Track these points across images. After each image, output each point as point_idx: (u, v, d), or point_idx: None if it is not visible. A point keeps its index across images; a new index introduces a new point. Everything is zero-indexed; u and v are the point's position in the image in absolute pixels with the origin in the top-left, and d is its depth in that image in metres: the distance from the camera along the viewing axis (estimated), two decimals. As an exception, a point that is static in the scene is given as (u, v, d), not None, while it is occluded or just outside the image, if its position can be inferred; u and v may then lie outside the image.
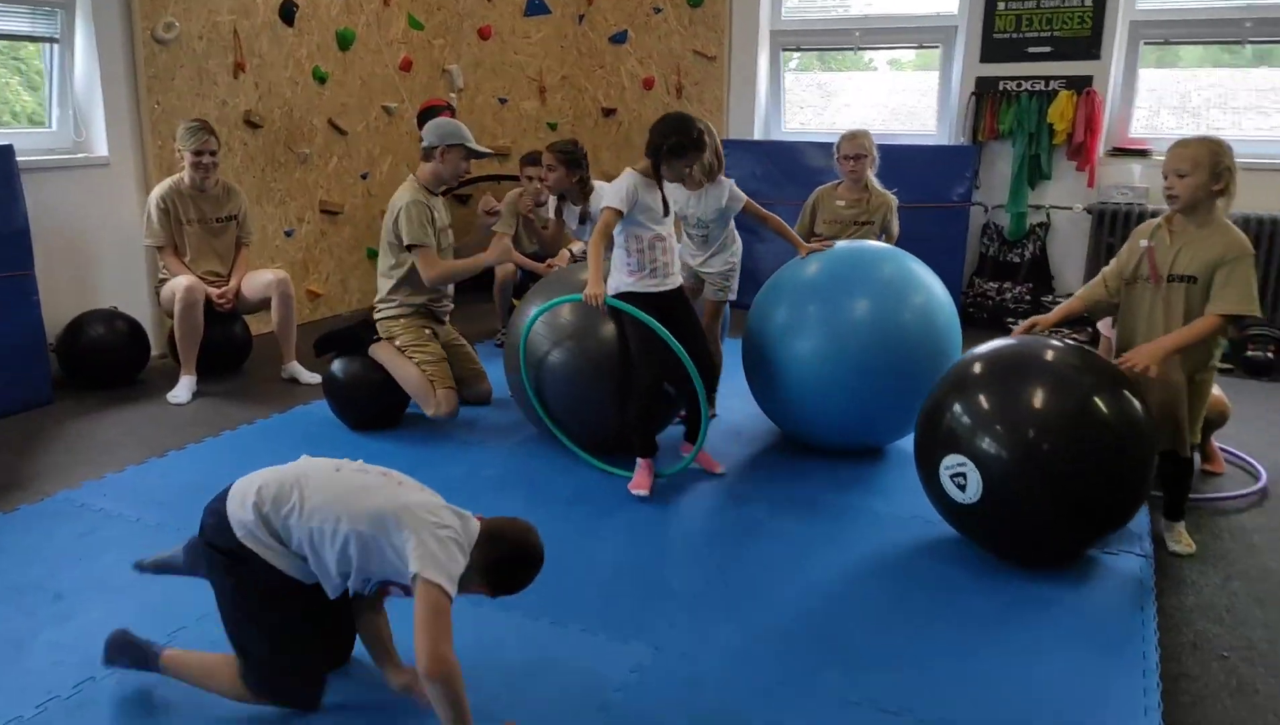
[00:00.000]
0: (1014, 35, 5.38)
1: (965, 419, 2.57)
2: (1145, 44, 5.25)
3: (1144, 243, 2.76)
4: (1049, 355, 2.60)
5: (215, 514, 1.95)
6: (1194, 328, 2.60)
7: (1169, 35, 5.24)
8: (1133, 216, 5.12)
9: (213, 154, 4.18)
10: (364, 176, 5.85)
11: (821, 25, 6.00)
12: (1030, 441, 2.45)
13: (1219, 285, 2.58)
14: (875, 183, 4.09)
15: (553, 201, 4.44)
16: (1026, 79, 5.37)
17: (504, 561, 1.89)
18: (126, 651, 2.07)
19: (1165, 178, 2.68)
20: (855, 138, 4.07)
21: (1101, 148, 5.31)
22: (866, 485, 3.24)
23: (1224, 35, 5.13)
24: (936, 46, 5.69)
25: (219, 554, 1.92)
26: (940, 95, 5.78)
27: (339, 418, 3.74)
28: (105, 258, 4.47)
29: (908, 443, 3.19)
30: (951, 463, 2.56)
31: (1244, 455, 3.45)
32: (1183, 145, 2.67)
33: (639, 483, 3.18)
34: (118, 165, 4.46)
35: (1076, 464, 2.42)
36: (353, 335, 3.75)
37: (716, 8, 6.05)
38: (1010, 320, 5.28)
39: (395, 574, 1.85)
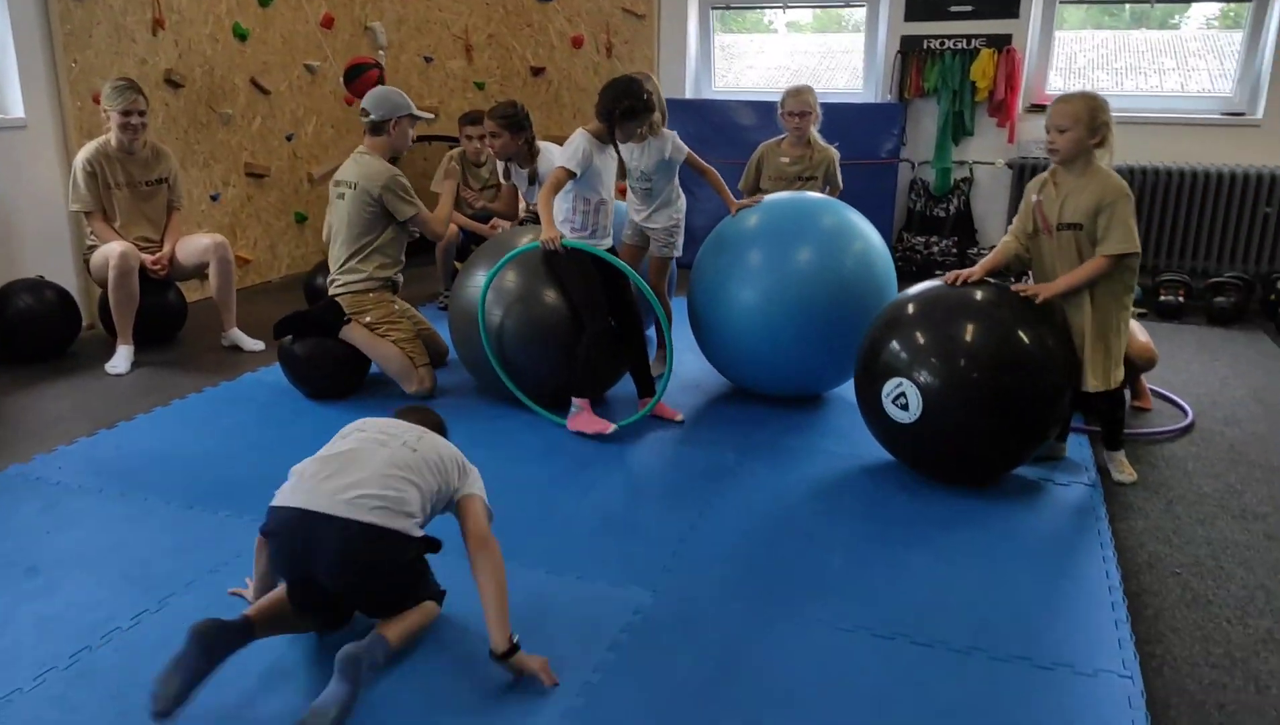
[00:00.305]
0: (938, -6, 5.55)
1: (903, 353, 2.78)
2: (1061, 2, 5.48)
3: (1034, 197, 2.90)
4: (975, 295, 2.82)
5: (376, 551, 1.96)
6: (1084, 269, 2.76)
7: (1083, -5, 5.48)
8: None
9: (141, 114, 4.01)
10: (289, 138, 5.68)
11: (751, -16, 6.07)
12: (962, 369, 2.68)
13: (1102, 228, 2.72)
14: (818, 138, 4.19)
15: (501, 166, 4.39)
16: (949, 37, 5.54)
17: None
18: (220, 638, 1.87)
19: (1048, 133, 2.81)
20: (800, 94, 4.14)
21: (1021, 104, 5.53)
22: (819, 429, 3.37)
23: (1133, -5, 5.40)
24: (863, 5, 5.81)
25: (393, 564, 1.99)
26: (867, 54, 5.92)
27: (296, 387, 3.67)
28: (25, 224, 4.26)
29: (845, 390, 3.44)
30: (891, 387, 2.78)
31: (1169, 393, 3.69)
32: (1064, 101, 2.78)
33: (582, 423, 3.28)
34: (35, 127, 4.23)
35: (1002, 386, 2.66)
36: (318, 320, 3.60)
37: (645, -35, 6.05)
38: (939, 272, 5.46)
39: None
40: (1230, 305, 4.82)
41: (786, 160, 4.19)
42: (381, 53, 6.12)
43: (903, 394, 2.74)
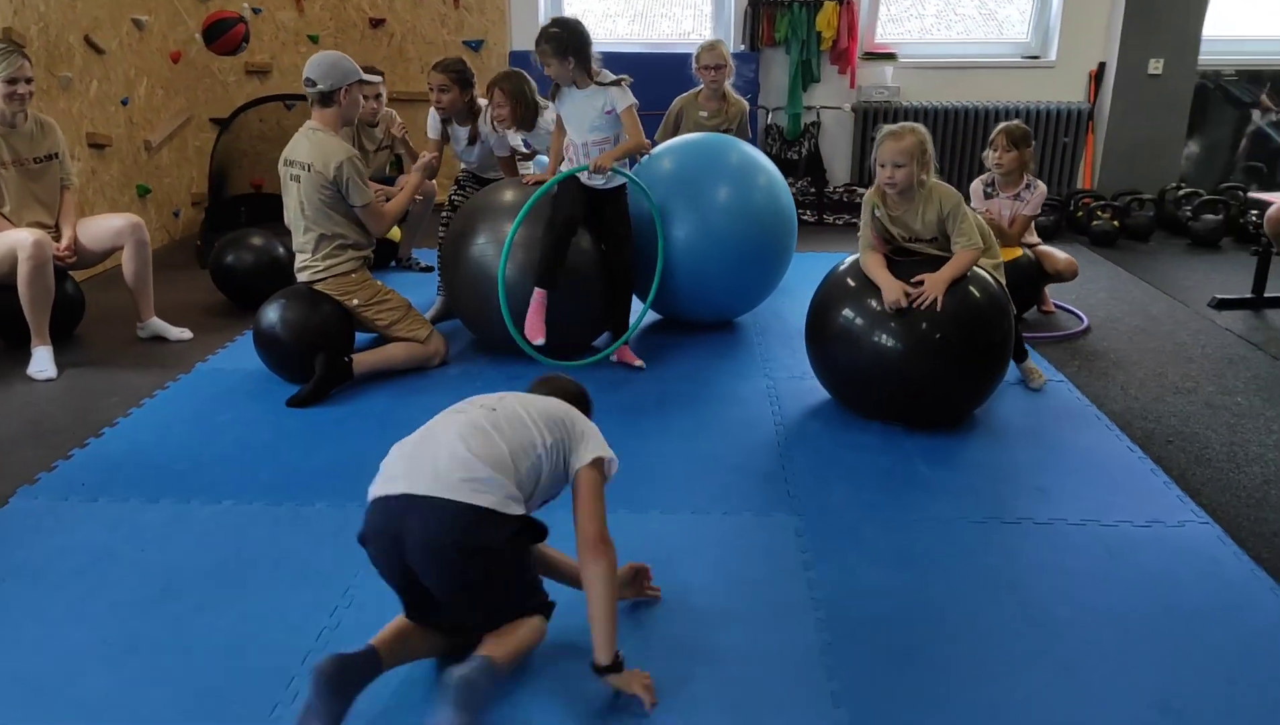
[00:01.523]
0: (781, -52, 5.92)
1: (859, 320, 2.97)
2: (888, -41, 6.05)
3: (876, 214, 3.06)
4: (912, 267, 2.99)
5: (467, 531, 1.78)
6: (958, 262, 2.91)
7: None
8: (889, 113, 5.97)
9: (29, 81, 3.50)
10: (124, 102, 5.08)
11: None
12: (925, 332, 2.87)
13: (955, 233, 2.96)
14: (731, 91, 4.44)
15: (437, 123, 4.20)
16: (794, -11, 5.96)
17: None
18: (348, 675, 1.73)
19: (884, 166, 2.92)
20: (715, 48, 4.35)
21: (859, 52, 6.07)
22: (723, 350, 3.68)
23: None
24: (711, -42, 6.08)
25: (487, 549, 1.78)
26: (715, 4, 6.20)
27: (276, 372, 3.43)
28: None
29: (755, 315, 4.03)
30: None
31: (1068, 305, 4.34)
32: (895, 138, 2.92)
33: (535, 326, 3.35)
34: (-126, 99, 3.55)
35: (969, 339, 2.89)
36: (332, 374, 3.30)
37: (490, -89, 5.93)
38: (803, 213, 5.93)
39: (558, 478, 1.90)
40: (1050, 222, 5.66)
41: (705, 114, 4.40)
42: (245, 4, 5.60)
43: None
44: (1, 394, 3.34)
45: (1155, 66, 5.82)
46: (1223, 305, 4.36)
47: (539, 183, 3.50)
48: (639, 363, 3.58)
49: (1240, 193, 5.69)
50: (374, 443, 2.74)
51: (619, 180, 3.50)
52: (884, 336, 2.92)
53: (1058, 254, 4.01)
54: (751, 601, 2.15)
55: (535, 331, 3.36)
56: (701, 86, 4.40)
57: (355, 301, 3.43)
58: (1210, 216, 5.51)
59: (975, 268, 2.99)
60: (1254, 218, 5.55)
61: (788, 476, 2.75)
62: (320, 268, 3.40)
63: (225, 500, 2.61)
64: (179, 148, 5.65)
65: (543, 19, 6.15)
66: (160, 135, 5.35)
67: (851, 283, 3.08)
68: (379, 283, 3.52)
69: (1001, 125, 4.04)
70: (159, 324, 3.87)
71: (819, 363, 3.23)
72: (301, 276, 3.41)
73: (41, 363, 3.47)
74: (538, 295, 3.38)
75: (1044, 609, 2.12)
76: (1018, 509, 2.57)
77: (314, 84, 3.36)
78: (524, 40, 6.12)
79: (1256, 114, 6.10)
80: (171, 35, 5.52)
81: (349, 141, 4.61)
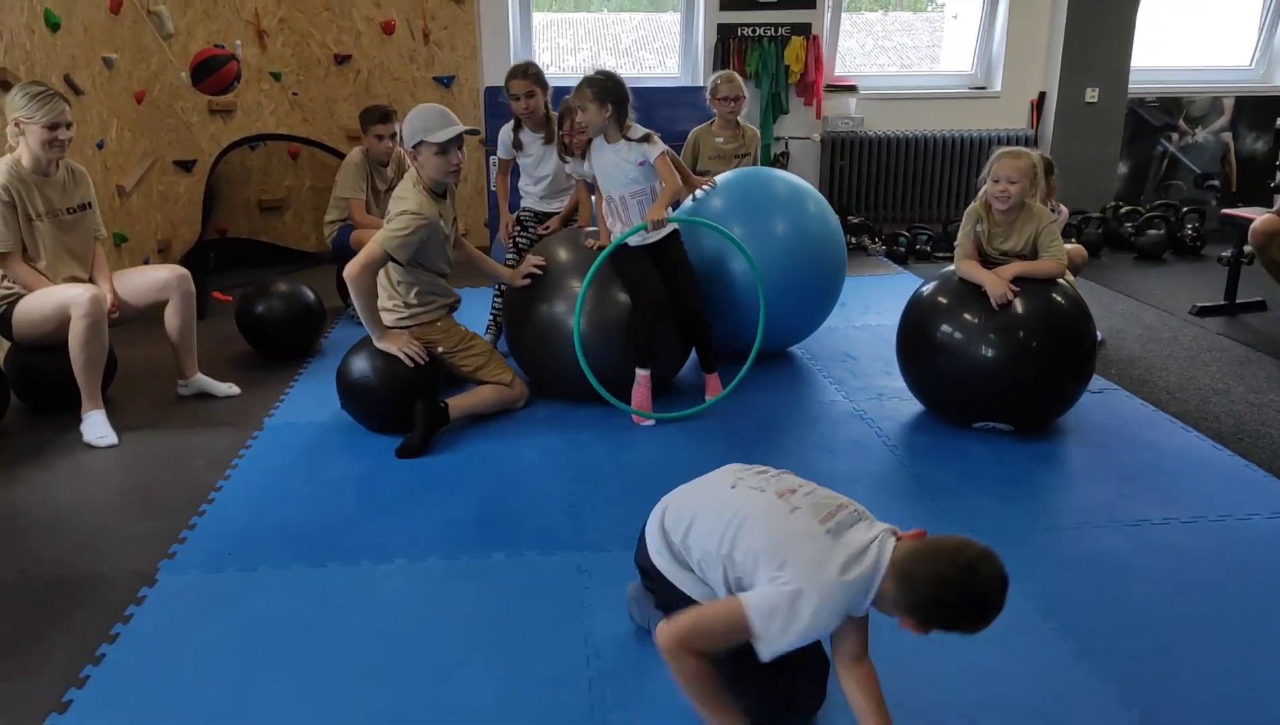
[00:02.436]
0: (747, -14, 6.11)
1: (957, 334, 3.14)
2: (848, -4, 6.34)
3: (978, 228, 3.30)
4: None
5: (641, 531, 1.93)
6: (1041, 266, 3.15)
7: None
8: (854, 142, 6.25)
9: (69, 126, 3.26)
10: (100, 146, 4.75)
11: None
12: (1021, 340, 3.07)
13: (1044, 246, 3.20)
14: (743, 120, 4.58)
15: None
16: (761, 25, 6.15)
17: (928, 601, 1.56)
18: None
19: (998, 181, 3.17)
20: (732, 80, 4.48)
21: (824, 85, 6.33)
22: (826, 380, 3.82)
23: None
24: (681, -5, 6.22)
25: (640, 571, 1.93)
26: (683, 40, 6.34)
27: (363, 422, 3.30)
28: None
29: (813, 343, 4.13)
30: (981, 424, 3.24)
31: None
32: (1014, 157, 3.17)
33: (642, 399, 3.38)
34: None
35: (1057, 343, 3.08)
36: (435, 420, 3.20)
37: (460, -52, 5.88)
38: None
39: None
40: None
41: (721, 140, 4.52)
42: (238, 44, 5.35)
43: (996, 429, 3.24)
44: (68, 464, 3.07)
45: (1091, 95, 6.31)
46: (1203, 312, 4.77)
47: (599, 246, 3.48)
48: (714, 394, 3.53)
49: (1176, 208, 6.23)
50: (504, 490, 2.80)
51: (668, 228, 3.43)
52: (983, 345, 3.10)
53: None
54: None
55: (645, 408, 3.39)
56: (715, 118, 4.53)
57: (441, 348, 3.34)
58: (1154, 231, 6.02)
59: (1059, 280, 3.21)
60: (1190, 231, 6.11)
61: (930, 491, 2.86)
62: (405, 315, 3.30)
63: (396, 559, 2.49)
64: (145, 193, 5.31)
65: (515, 54, 6.14)
66: (131, 180, 5.02)
67: (943, 299, 3.26)
68: (463, 328, 3.44)
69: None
70: (204, 381, 3.64)
71: (916, 376, 3.38)
72: (388, 320, 3.29)
73: (100, 428, 3.21)
74: (642, 378, 3.39)
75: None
76: (1158, 509, 2.75)
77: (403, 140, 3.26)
78: (496, 76, 6.08)
79: (1175, 136, 6.69)
80: (135, 74, 5.20)
81: (367, 179, 4.53)
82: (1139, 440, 3.25)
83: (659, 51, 6.58)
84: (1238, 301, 4.80)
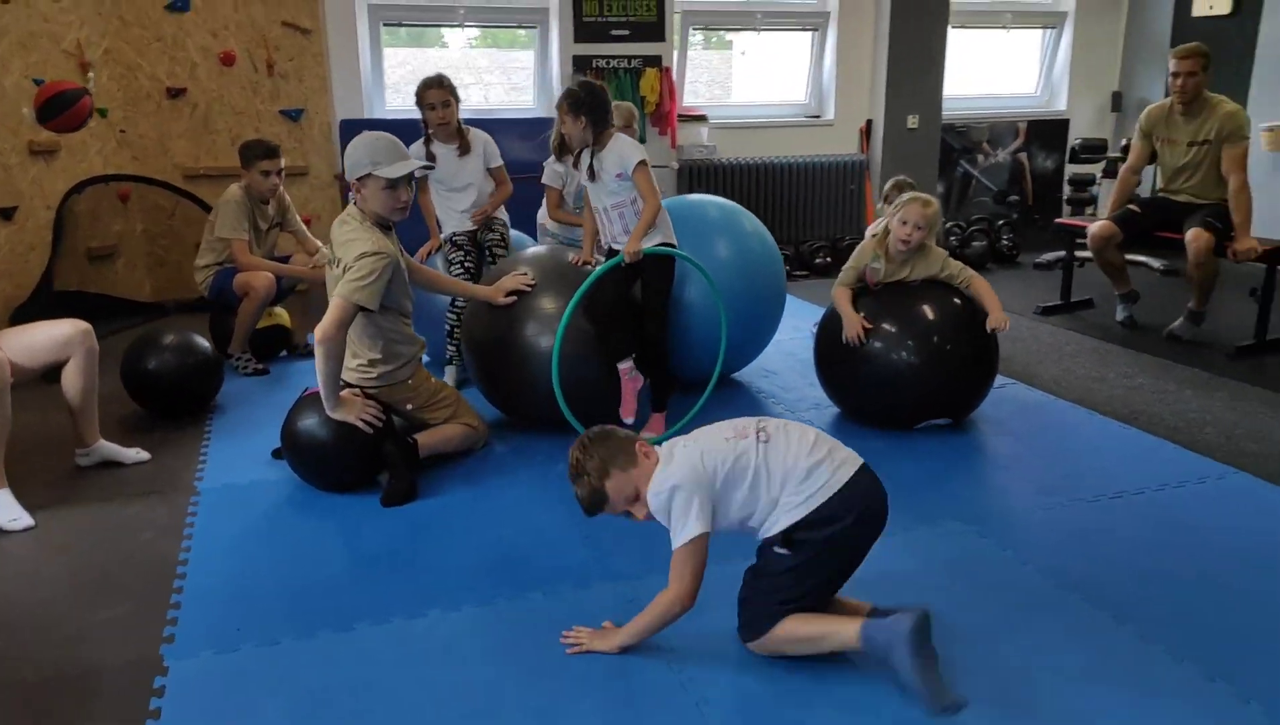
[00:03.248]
0: (599, 19, 6.21)
1: (878, 344, 3.36)
2: (694, 29, 6.58)
3: (875, 265, 3.53)
4: (901, 291, 3.47)
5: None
6: (984, 292, 3.46)
7: (709, 22, 6.66)
8: (709, 170, 6.48)
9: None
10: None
11: (427, 2, 6.00)
12: (936, 343, 3.36)
13: (952, 280, 3.47)
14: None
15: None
16: (614, 57, 6.27)
17: None
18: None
19: (905, 225, 3.37)
20: (619, 108, 4.55)
21: (677, 115, 6.52)
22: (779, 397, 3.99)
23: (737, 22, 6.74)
24: (534, 26, 6.21)
25: None
26: (538, 72, 6.34)
27: (311, 480, 3.05)
28: None
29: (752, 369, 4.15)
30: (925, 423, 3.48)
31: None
32: (924, 205, 3.40)
33: (629, 406, 3.36)
34: None
35: (972, 342, 3.39)
36: (410, 461, 3.02)
37: (305, -23, 5.61)
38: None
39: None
40: (825, 263, 6.45)
41: None
42: (90, 77, 4.78)
43: (936, 425, 3.49)
44: (-20, 554, 2.65)
45: (912, 121, 6.88)
46: (1046, 312, 5.32)
47: (581, 261, 3.46)
48: (655, 433, 3.44)
49: (991, 221, 6.90)
50: (504, 532, 2.78)
51: (654, 241, 3.34)
52: (903, 352, 3.34)
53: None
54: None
55: (629, 412, 3.35)
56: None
57: (411, 407, 3.15)
58: (978, 243, 6.63)
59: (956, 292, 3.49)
60: (1007, 242, 6.79)
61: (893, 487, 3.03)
62: (374, 376, 3.06)
63: (429, 611, 2.34)
64: (-40, 243, 4.68)
65: (367, 86, 5.93)
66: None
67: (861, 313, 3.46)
68: (433, 380, 3.26)
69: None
70: (109, 447, 3.24)
71: (837, 386, 3.58)
72: (351, 378, 3.05)
73: (10, 509, 2.79)
74: (625, 378, 3.36)
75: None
76: (1076, 489, 3.02)
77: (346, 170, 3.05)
78: (350, 109, 5.84)
79: (980, 157, 7.41)
80: (-57, 110, 4.58)
81: (249, 218, 4.21)
82: (1056, 424, 3.59)
83: (515, 84, 6.55)
84: (1072, 301, 5.39)
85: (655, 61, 6.32)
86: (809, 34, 6.88)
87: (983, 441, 3.45)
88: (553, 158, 3.85)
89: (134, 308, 5.49)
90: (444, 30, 6.33)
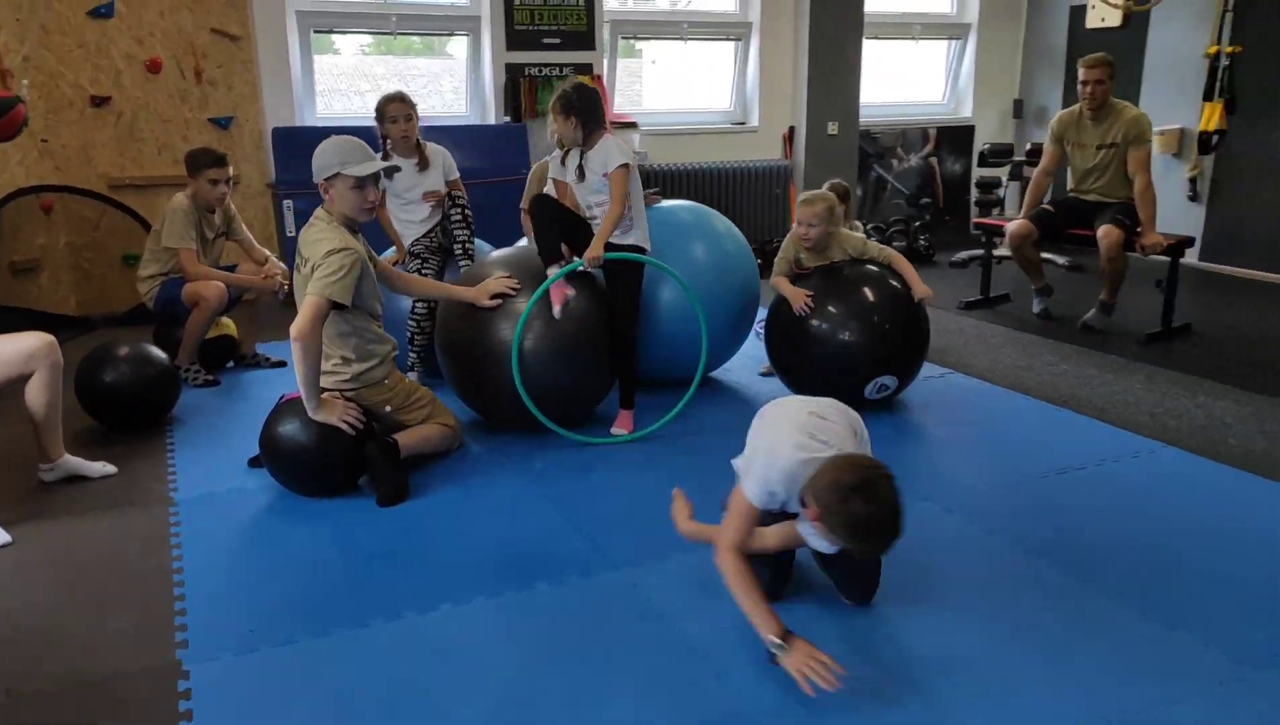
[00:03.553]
0: (531, 27, 6.28)
1: (824, 325, 3.60)
2: (623, 38, 6.71)
3: (800, 256, 3.83)
4: (841, 280, 3.72)
5: None
6: (906, 269, 3.76)
7: (637, 31, 6.79)
8: (641, 175, 6.59)
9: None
10: None
11: (358, 8, 5.97)
12: (875, 324, 3.61)
13: (871, 258, 3.78)
14: None
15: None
16: (547, 65, 6.35)
17: (825, 501, 1.99)
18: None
19: (801, 225, 3.70)
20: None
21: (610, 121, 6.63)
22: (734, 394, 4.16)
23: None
24: (466, 35, 6.24)
25: None
26: (470, 79, 6.37)
27: (293, 486, 3.06)
28: None
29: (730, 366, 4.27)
30: (874, 385, 3.66)
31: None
32: (809, 204, 3.68)
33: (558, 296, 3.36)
34: None
35: (903, 327, 3.64)
36: (395, 460, 3.04)
37: (233, -17, 5.53)
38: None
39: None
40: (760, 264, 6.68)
41: None
42: (25, 83, 4.57)
43: (885, 386, 3.68)
44: (-43, 572, 2.58)
45: (832, 128, 7.16)
46: (968, 306, 5.62)
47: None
48: (625, 430, 3.54)
49: (908, 222, 7.23)
50: (498, 529, 2.88)
51: (631, 240, 3.46)
52: (847, 332, 3.59)
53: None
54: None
55: (562, 299, 3.35)
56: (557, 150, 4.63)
57: (389, 408, 3.17)
58: (898, 244, 6.94)
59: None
60: (924, 242, 7.12)
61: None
62: (348, 376, 3.08)
63: (440, 605, 2.39)
64: (-125, 258, 4.46)
65: (298, 95, 5.86)
66: None
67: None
68: (407, 380, 3.30)
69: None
70: (75, 462, 3.17)
71: (791, 368, 3.79)
72: (326, 382, 3.05)
73: (-19, 528, 2.73)
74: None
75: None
76: (1026, 467, 3.27)
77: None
78: (281, 116, 5.77)
79: (895, 162, 7.75)
80: None
81: (196, 227, 4.14)
82: (996, 409, 3.84)
83: (449, 90, 6.56)
84: (991, 295, 5.71)
85: (587, 69, 6.42)
86: (732, 44, 7.09)
87: (931, 426, 3.67)
88: (557, 153, 3.92)
89: (59, 322, 5.30)
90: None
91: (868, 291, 3.65)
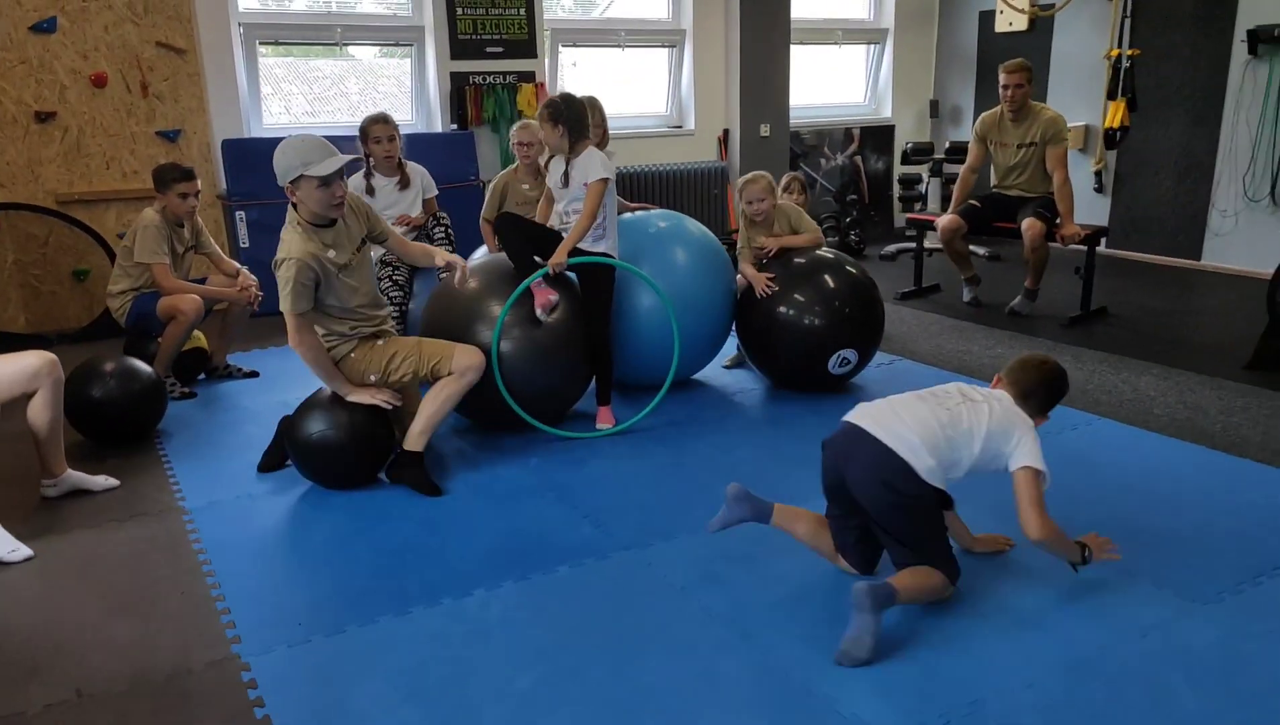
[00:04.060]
0: (474, 37, 6.41)
1: (789, 311, 3.93)
2: (564, 46, 6.88)
3: (761, 241, 4.18)
4: (799, 267, 4.04)
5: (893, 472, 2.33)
6: (801, 239, 4.14)
7: (577, 40, 6.97)
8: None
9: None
10: None
11: (302, 20, 6.01)
12: (837, 307, 3.97)
13: (800, 228, 4.19)
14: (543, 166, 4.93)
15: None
16: (491, 74, 6.49)
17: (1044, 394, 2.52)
18: (745, 501, 2.49)
19: (750, 203, 4.09)
20: (526, 127, 4.79)
21: (551, 127, 6.79)
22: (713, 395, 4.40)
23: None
24: (411, 45, 6.33)
25: (902, 494, 2.33)
26: (415, 88, 6.47)
27: (322, 480, 3.20)
28: None
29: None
30: (837, 359, 3.98)
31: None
32: (753, 182, 4.10)
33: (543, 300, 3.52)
34: None
35: (860, 309, 4.03)
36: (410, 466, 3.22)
37: (177, -5, 5.52)
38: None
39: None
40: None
41: (527, 186, 4.79)
42: None
43: (847, 359, 3.99)
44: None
45: (765, 130, 7.47)
46: (904, 297, 5.98)
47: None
48: (608, 424, 3.70)
49: (839, 218, 7.58)
50: (509, 521, 3.05)
51: (600, 249, 3.60)
52: (810, 316, 3.92)
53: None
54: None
55: (545, 304, 3.50)
56: (518, 164, 4.78)
57: (374, 378, 3.19)
58: (831, 239, 7.29)
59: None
60: (855, 237, 7.49)
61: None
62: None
63: (474, 590, 2.56)
64: None
65: (244, 103, 5.88)
66: None
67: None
68: (380, 344, 3.23)
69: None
70: (78, 477, 3.23)
71: (763, 357, 4.10)
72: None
73: (8, 542, 2.78)
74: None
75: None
76: None
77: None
78: (229, 128, 5.78)
79: (822, 161, 8.10)
80: None
81: (168, 241, 4.18)
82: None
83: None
84: (924, 286, 6.08)
85: (530, 77, 6.59)
86: (667, 50, 7.34)
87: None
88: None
89: (9, 341, 5.23)
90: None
91: (829, 288, 3.98)
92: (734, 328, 4.23)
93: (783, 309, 3.96)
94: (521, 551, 2.79)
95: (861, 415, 2.45)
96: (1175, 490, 3.09)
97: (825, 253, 4.12)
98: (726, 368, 4.52)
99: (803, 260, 4.06)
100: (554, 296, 3.54)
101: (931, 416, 2.39)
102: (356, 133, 4.18)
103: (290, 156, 2.97)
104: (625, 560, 2.72)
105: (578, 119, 3.57)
